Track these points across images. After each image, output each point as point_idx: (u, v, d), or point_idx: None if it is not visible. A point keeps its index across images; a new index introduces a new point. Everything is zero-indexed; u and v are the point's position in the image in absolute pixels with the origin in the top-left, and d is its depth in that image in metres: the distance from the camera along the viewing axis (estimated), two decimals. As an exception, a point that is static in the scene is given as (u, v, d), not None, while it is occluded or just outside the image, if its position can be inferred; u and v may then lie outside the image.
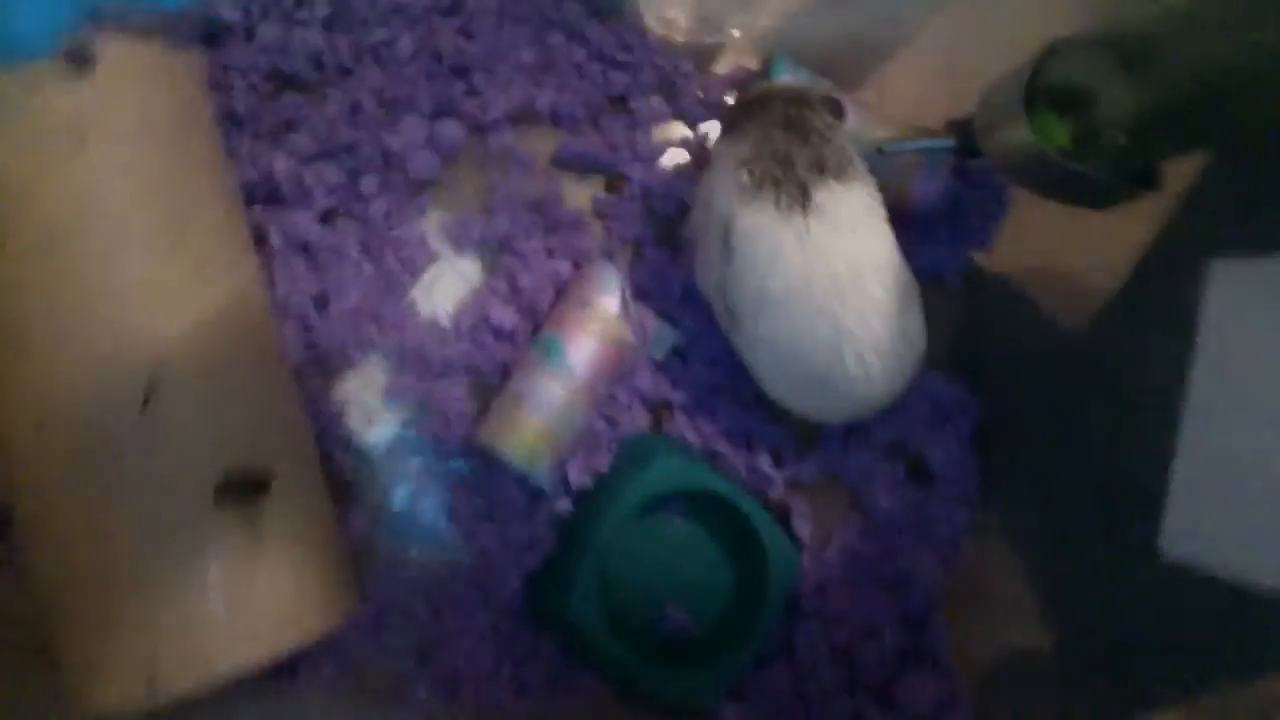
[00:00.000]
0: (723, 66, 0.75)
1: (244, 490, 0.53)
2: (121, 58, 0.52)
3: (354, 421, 0.66)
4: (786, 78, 0.70)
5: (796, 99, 0.65)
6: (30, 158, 0.50)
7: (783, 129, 0.63)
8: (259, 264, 0.61)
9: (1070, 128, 0.55)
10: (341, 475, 0.66)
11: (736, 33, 0.72)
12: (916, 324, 0.65)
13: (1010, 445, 0.73)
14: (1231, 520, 0.50)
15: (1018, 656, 0.67)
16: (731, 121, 0.67)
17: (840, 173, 0.62)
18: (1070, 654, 0.61)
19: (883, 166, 0.68)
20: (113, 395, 0.50)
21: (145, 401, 0.50)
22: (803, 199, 0.61)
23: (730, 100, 0.74)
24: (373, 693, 0.64)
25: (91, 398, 0.49)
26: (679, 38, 0.72)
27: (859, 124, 0.71)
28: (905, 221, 0.73)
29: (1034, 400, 0.71)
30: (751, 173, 0.62)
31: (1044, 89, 0.55)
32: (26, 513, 0.52)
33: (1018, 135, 0.55)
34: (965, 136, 0.62)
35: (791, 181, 0.61)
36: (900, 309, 0.63)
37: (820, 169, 0.62)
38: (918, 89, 0.75)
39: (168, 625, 0.50)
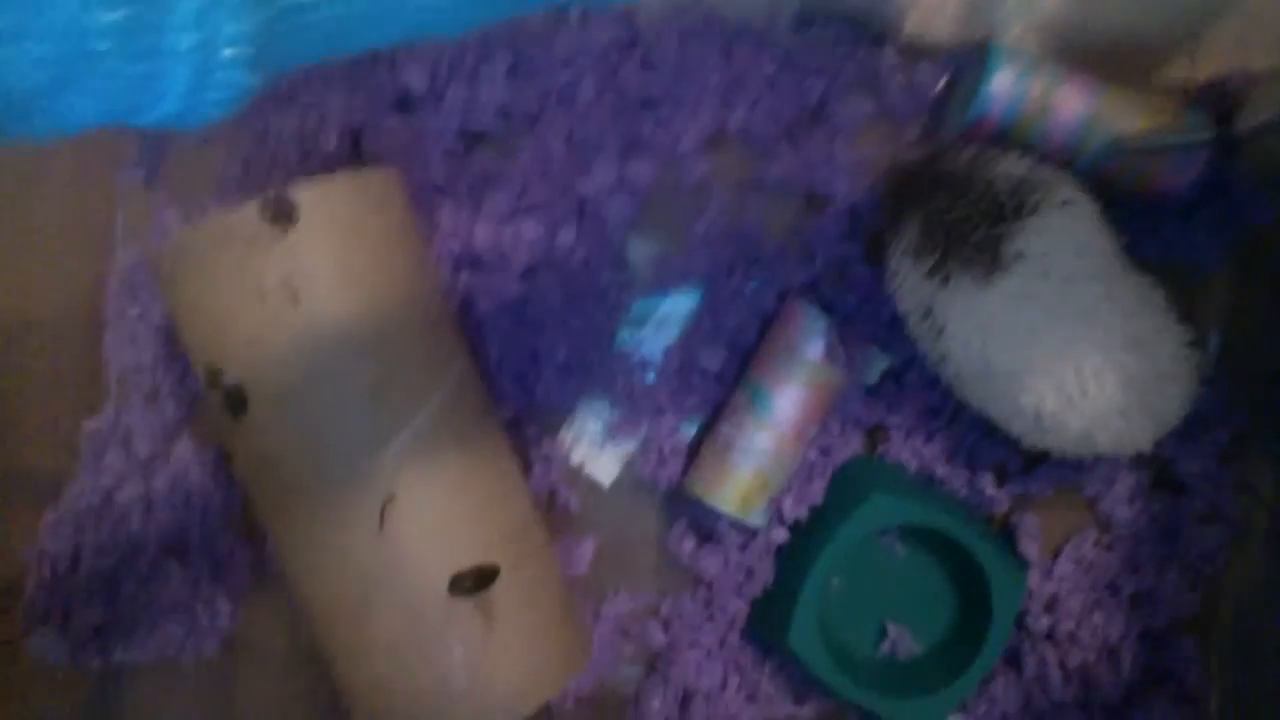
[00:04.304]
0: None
1: (475, 581, 0.58)
2: (321, 206, 0.54)
3: (578, 460, 0.70)
4: (1005, 71, 0.62)
5: (932, 162, 0.58)
6: (255, 316, 0.54)
7: (940, 197, 0.56)
8: (469, 352, 0.64)
9: None
10: (569, 510, 0.70)
11: (1016, 29, 0.63)
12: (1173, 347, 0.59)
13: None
14: None
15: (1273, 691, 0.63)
16: (889, 214, 0.61)
17: (1028, 209, 0.55)
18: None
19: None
20: (354, 522, 0.55)
21: (380, 524, 0.55)
22: (995, 259, 0.55)
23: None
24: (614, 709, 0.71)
25: (337, 526, 0.56)
26: (942, 39, 0.65)
27: (1102, 111, 0.61)
28: (1152, 204, 0.65)
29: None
30: (929, 258, 0.57)
31: None
32: (299, 595, 0.61)
33: None
34: (1227, 136, 0.53)
35: (976, 246, 0.55)
36: (1153, 333, 0.58)
37: (1001, 217, 0.55)
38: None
39: (423, 701, 0.57)
